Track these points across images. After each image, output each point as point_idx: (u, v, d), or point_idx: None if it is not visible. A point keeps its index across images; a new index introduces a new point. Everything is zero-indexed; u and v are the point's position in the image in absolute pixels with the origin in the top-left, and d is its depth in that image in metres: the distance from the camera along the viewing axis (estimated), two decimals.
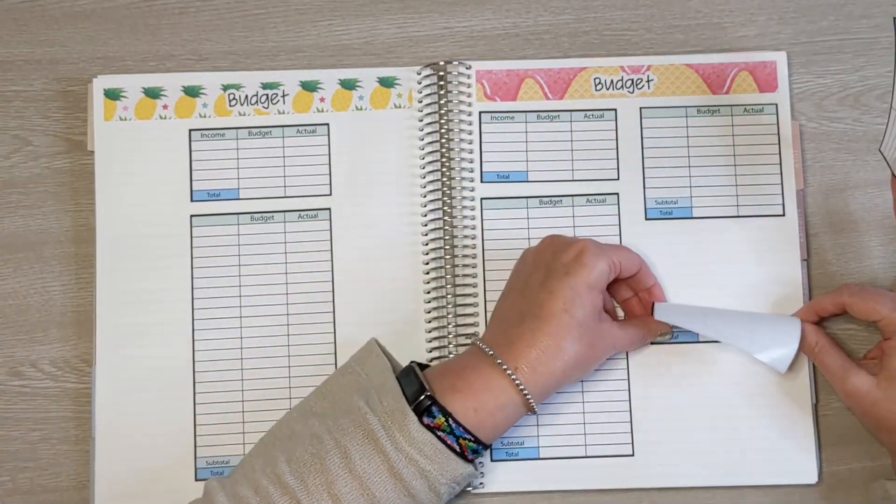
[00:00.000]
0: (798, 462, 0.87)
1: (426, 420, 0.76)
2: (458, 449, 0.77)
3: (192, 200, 0.90)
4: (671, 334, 0.88)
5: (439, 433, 0.76)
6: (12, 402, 0.89)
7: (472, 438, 0.77)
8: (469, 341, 0.87)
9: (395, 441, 0.75)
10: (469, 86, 0.91)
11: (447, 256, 0.89)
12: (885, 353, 0.82)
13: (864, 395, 0.81)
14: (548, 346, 0.78)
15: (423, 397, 0.77)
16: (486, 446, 0.79)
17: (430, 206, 0.90)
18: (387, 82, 0.92)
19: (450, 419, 0.76)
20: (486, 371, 0.78)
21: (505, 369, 0.78)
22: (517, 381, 0.77)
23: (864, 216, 0.91)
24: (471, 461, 0.78)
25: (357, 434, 0.76)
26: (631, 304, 0.88)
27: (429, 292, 0.89)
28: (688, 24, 0.93)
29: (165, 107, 0.91)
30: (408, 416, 0.76)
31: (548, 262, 0.82)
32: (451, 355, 0.87)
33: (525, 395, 0.78)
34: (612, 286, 0.87)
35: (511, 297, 0.83)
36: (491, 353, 0.79)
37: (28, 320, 0.90)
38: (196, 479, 0.87)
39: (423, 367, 0.81)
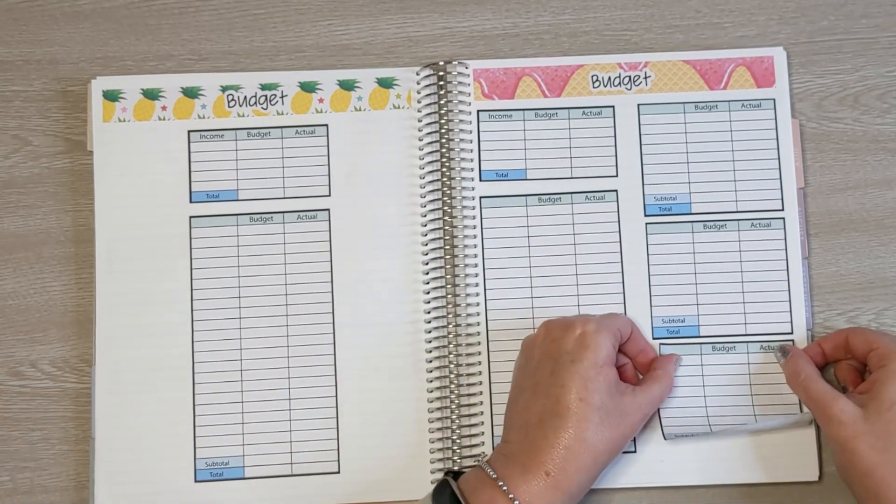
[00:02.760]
0: (799, 459, 0.86)
1: None
2: None
3: (191, 201, 0.90)
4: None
5: None
6: (12, 402, 0.88)
7: None
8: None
9: None
10: (468, 85, 0.91)
11: (447, 256, 0.89)
12: (876, 382, 0.79)
13: (850, 423, 0.78)
14: (571, 442, 0.77)
15: None
16: None
17: (430, 207, 0.90)
18: (385, 83, 0.92)
19: None
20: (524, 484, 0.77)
21: (539, 481, 0.77)
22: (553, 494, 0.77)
23: (864, 216, 0.91)
24: None
25: None
26: (626, 371, 0.87)
27: (428, 292, 0.89)
28: (687, 24, 0.93)
29: (164, 108, 0.91)
30: None
31: (552, 352, 0.81)
32: (451, 355, 0.87)
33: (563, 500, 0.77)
34: None
35: (524, 398, 0.81)
36: (503, 484, 0.77)
37: (28, 320, 0.90)
38: (196, 480, 0.87)
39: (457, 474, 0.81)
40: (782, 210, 0.89)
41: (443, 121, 0.90)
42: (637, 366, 0.87)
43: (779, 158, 0.90)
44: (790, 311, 0.88)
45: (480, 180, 0.90)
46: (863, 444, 0.77)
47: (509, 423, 0.82)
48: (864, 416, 0.78)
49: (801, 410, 0.86)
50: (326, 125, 0.91)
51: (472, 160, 0.90)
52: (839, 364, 0.86)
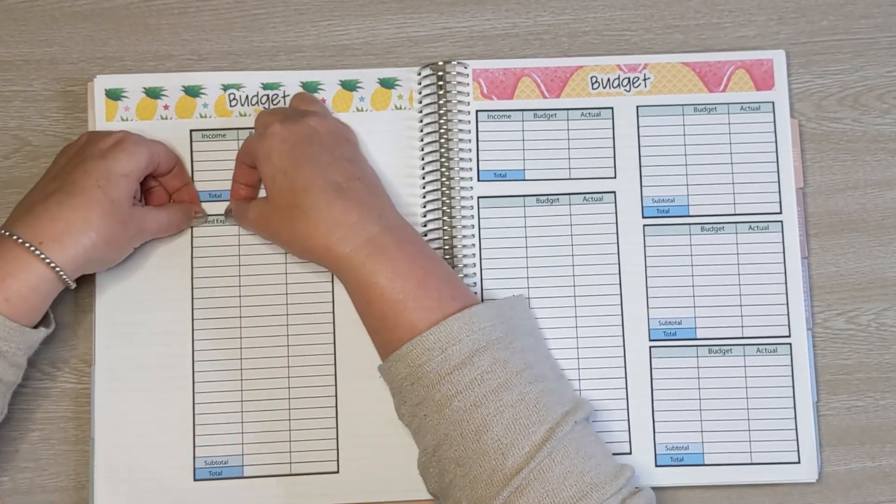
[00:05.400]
0: (798, 460, 0.86)
1: None
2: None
3: None
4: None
5: None
6: (12, 402, 0.88)
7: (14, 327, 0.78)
8: None
9: None
10: (467, 85, 0.91)
11: (445, 256, 0.89)
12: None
13: (260, 217, 0.85)
14: (75, 219, 0.79)
15: None
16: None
17: (430, 207, 0.90)
18: (388, 83, 0.92)
19: None
20: (9, 254, 0.78)
21: (28, 246, 0.78)
22: (43, 256, 0.78)
23: (864, 216, 0.91)
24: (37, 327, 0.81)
25: None
26: (152, 193, 0.90)
27: None
28: (687, 25, 0.93)
29: (166, 107, 0.91)
30: None
31: (83, 148, 0.84)
32: None
33: (55, 268, 0.78)
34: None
35: (41, 182, 0.85)
36: (8, 233, 0.79)
37: None
38: (195, 479, 0.87)
39: None
40: (780, 213, 0.89)
41: (442, 121, 0.90)
42: (174, 199, 0.91)
43: (777, 162, 0.90)
44: (787, 315, 0.88)
45: (479, 180, 0.90)
46: (274, 225, 0.84)
47: (17, 205, 0.84)
48: (267, 204, 0.84)
49: (795, 410, 0.87)
50: None
51: (470, 160, 0.90)
52: None
